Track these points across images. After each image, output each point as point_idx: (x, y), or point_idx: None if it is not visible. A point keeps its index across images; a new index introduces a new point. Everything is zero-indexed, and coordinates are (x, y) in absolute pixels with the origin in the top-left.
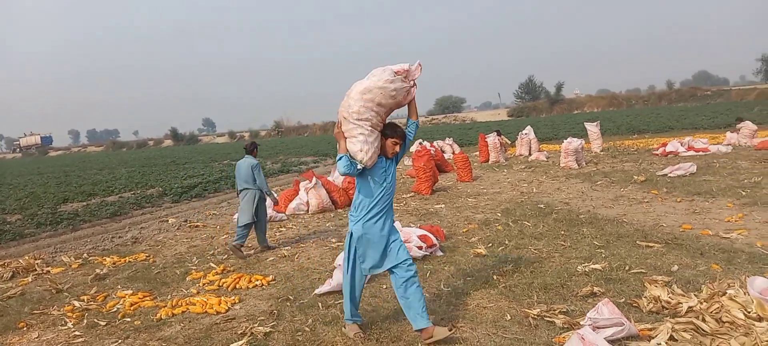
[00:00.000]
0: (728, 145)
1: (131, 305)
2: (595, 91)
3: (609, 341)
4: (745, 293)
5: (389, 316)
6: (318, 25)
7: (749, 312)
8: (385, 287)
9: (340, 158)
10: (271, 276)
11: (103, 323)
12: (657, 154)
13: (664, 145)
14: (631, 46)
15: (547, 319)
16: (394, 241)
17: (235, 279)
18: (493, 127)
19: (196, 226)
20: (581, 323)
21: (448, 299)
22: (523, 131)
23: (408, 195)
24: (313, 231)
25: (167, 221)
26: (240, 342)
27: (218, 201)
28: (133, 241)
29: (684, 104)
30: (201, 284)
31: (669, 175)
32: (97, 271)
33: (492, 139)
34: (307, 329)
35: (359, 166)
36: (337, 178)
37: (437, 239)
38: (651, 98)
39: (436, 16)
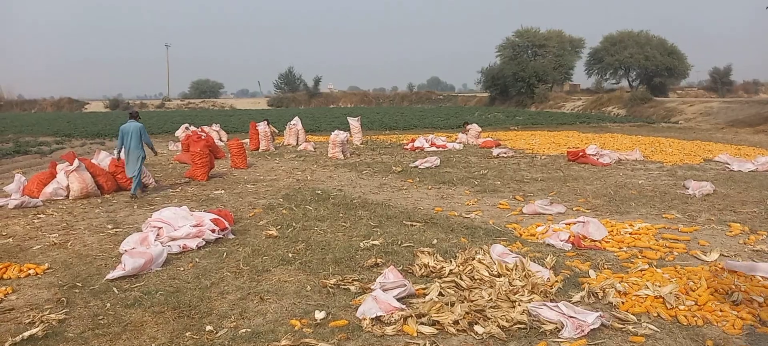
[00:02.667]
0: (460, 143)
1: None
2: (347, 88)
3: (396, 299)
4: (488, 257)
5: (195, 295)
6: None
7: (492, 271)
8: (182, 269)
9: None
10: (45, 265)
11: None
12: (407, 149)
13: (412, 140)
14: (378, 50)
15: (343, 287)
16: None
17: (0, 269)
18: (254, 115)
19: None
20: (372, 287)
21: (251, 276)
22: (292, 122)
23: (183, 181)
24: (80, 218)
25: None
26: (33, 330)
27: None
28: None
29: (422, 106)
30: None
31: (419, 166)
32: None
33: (262, 127)
34: (108, 313)
35: None
36: (102, 160)
37: (227, 223)
38: (396, 98)
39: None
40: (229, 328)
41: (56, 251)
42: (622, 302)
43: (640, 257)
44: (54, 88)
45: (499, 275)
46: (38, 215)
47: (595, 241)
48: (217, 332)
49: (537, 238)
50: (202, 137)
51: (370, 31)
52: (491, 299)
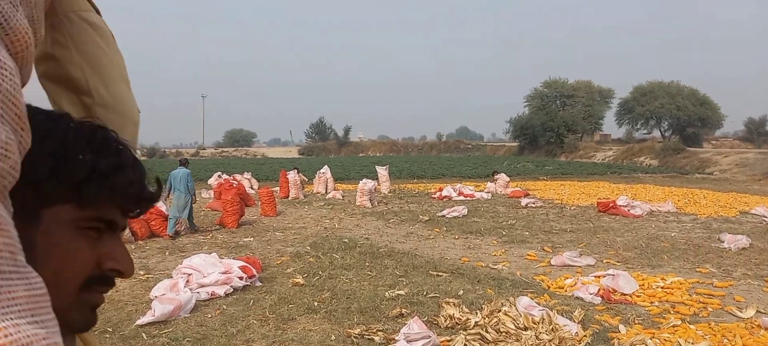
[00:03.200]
0: (488, 192)
1: None
2: (376, 136)
3: None
4: (514, 310)
5: (221, 342)
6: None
7: (518, 323)
8: (209, 316)
9: None
10: None
11: None
12: (435, 198)
13: (440, 189)
14: (407, 98)
15: (367, 337)
16: None
17: None
18: (285, 163)
19: None
20: (396, 338)
21: (276, 325)
22: (321, 170)
23: (214, 228)
24: None
25: None
26: None
27: None
28: None
29: (450, 155)
30: None
31: (447, 216)
32: None
33: (292, 176)
34: None
35: None
36: None
37: (255, 270)
38: (424, 147)
39: (224, 49)
40: None
41: None
42: None
43: (672, 312)
44: None
45: (526, 328)
46: None
47: (625, 295)
48: None
49: (565, 290)
50: (234, 185)
51: (399, 83)
52: None
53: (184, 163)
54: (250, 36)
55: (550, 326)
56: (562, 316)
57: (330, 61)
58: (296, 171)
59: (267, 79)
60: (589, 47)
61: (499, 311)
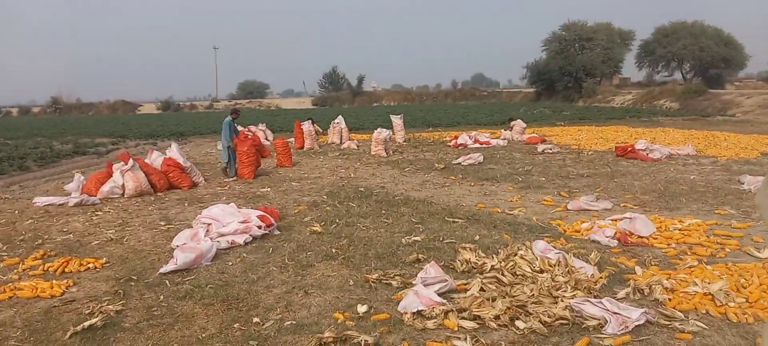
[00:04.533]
0: (504, 139)
1: None
2: (390, 86)
3: (437, 294)
4: (530, 253)
5: (242, 289)
6: None
7: (534, 267)
8: (230, 263)
9: None
10: (103, 259)
11: None
12: (450, 146)
13: (456, 137)
14: (420, 45)
15: (385, 281)
16: None
17: (62, 263)
18: (300, 114)
19: None
20: (414, 282)
21: (296, 271)
22: (335, 120)
23: (231, 179)
24: (135, 215)
25: None
26: (93, 320)
27: (5, 184)
28: None
29: (466, 102)
30: (21, 270)
31: (462, 163)
32: None
33: (307, 126)
34: (162, 304)
35: None
36: (154, 159)
37: (273, 220)
38: (439, 95)
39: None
40: (275, 320)
41: (113, 246)
42: (669, 299)
43: (689, 253)
44: (109, 91)
45: (542, 271)
46: (96, 213)
47: (642, 237)
48: (263, 324)
49: (582, 234)
50: (249, 137)
51: (412, 28)
52: (533, 294)
53: (231, 112)
54: None
55: (566, 269)
56: (579, 259)
57: (340, 7)
58: (310, 121)
59: (279, 29)
60: None
61: (516, 254)
